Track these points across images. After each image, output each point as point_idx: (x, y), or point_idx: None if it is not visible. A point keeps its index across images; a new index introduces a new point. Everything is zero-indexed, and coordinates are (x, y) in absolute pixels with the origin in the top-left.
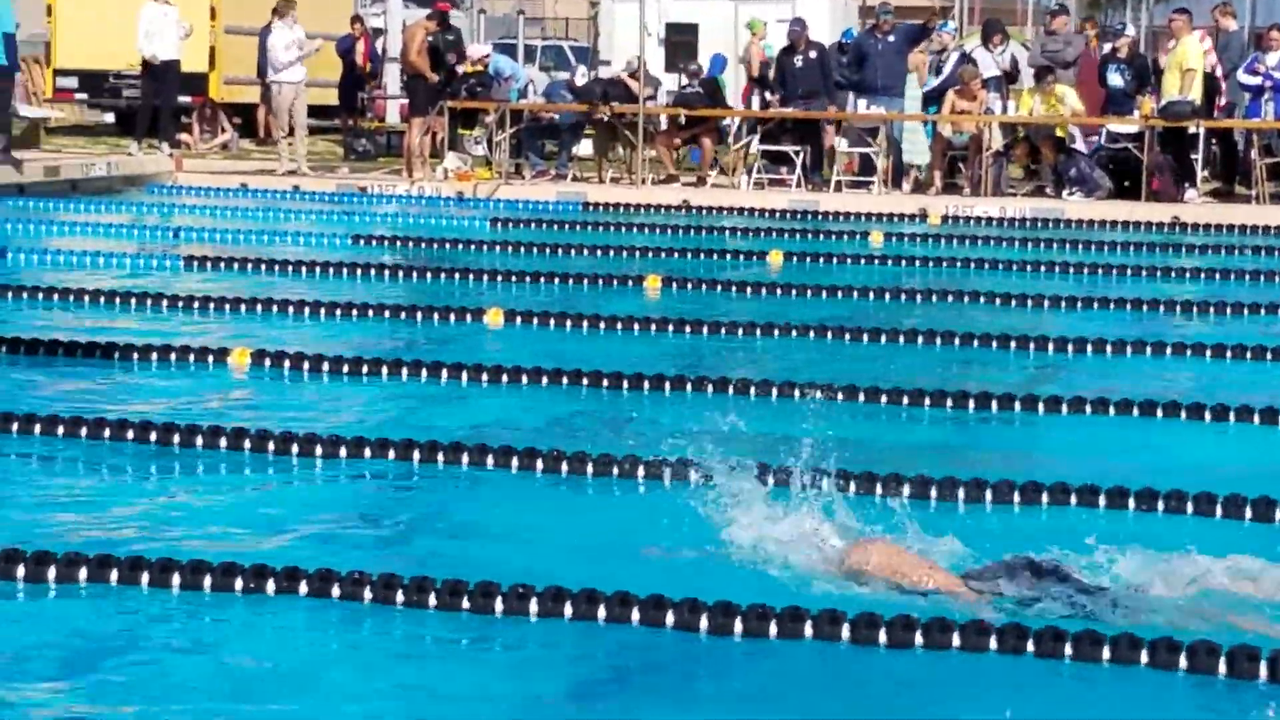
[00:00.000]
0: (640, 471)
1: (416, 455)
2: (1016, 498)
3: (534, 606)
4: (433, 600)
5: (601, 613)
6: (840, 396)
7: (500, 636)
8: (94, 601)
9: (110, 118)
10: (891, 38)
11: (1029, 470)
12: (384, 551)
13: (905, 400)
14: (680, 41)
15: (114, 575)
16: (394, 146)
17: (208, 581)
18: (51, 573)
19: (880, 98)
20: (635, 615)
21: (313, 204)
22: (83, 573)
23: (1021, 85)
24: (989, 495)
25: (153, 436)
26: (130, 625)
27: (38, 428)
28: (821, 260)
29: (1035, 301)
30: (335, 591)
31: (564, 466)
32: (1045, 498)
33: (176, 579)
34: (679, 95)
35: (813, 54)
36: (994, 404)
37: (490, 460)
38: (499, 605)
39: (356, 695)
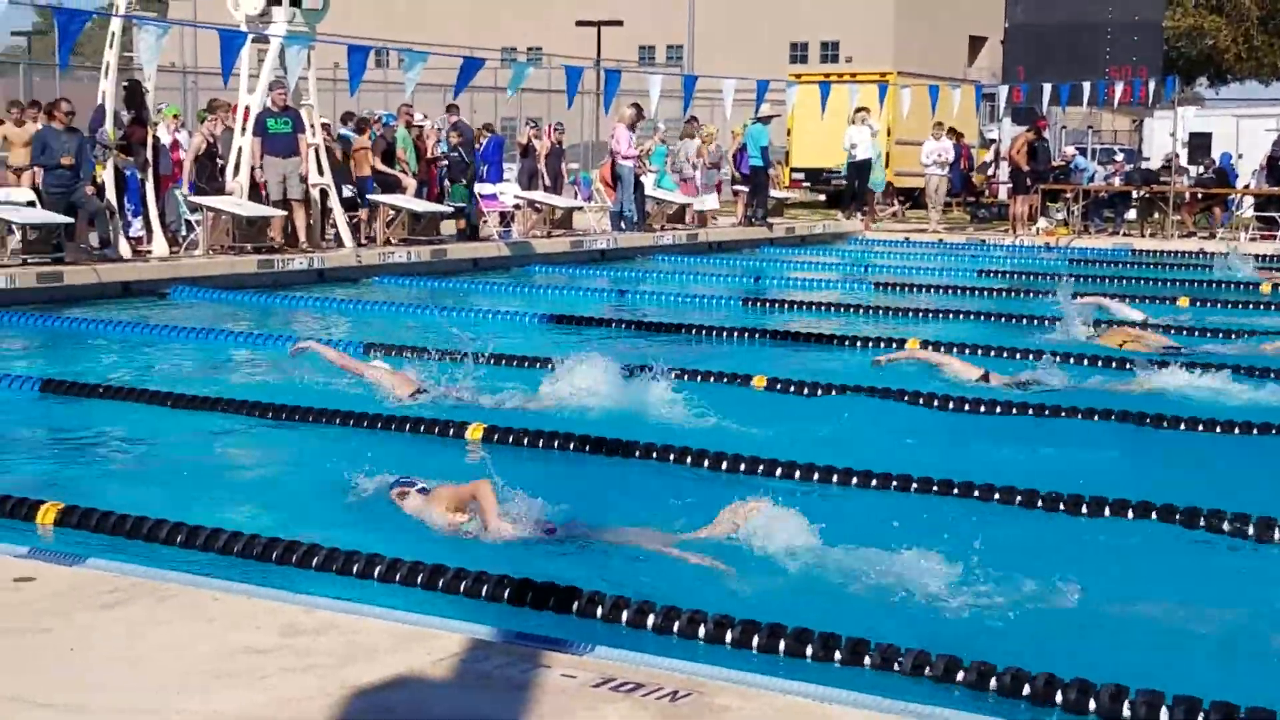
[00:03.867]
0: None
1: None
2: None
3: None
4: None
5: None
6: None
7: None
8: None
9: (822, 197)
10: None
11: None
12: None
13: None
14: (1198, 144)
15: None
16: (1002, 214)
17: None
18: None
19: None
20: None
21: (951, 250)
22: None
23: None
24: None
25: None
26: None
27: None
28: None
29: None
30: None
31: None
32: None
33: None
34: (1198, 179)
35: None
36: None
37: None
38: None
39: None
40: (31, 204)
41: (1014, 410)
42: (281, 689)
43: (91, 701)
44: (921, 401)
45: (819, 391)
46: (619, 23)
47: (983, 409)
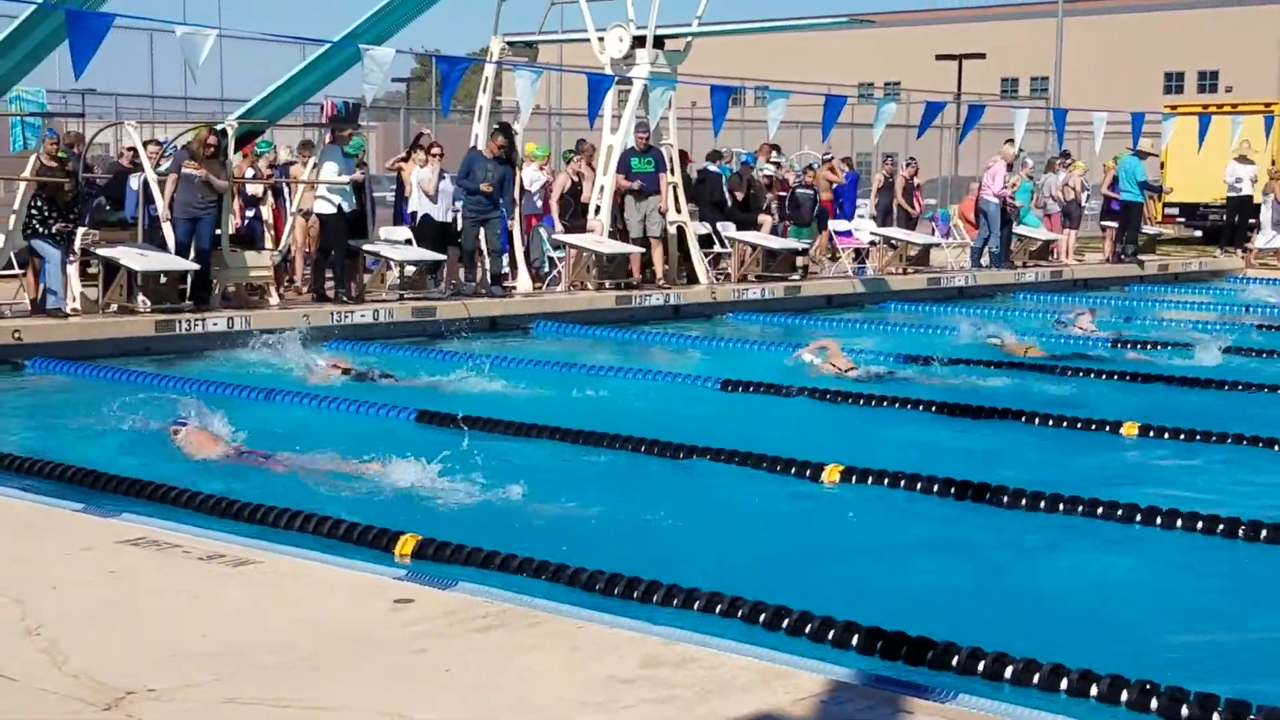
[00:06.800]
0: None
1: None
2: None
3: None
4: None
5: None
6: None
7: None
8: None
9: (1198, 233)
10: None
11: None
12: None
13: None
14: None
15: None
16: None
17: None
18: None
19: None
20: None
21: None
22: None
23: None
24: None
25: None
26: None
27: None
28: None
29: None
30: None
31: None
32: None
33: None
34: None
35: None
36: None
37: None
38: None
39: None
40: (408, 242)
41: None
42: (642, 719)
43: None
44: None
45: (1196, 438)
46: (981, 55)
47: None
